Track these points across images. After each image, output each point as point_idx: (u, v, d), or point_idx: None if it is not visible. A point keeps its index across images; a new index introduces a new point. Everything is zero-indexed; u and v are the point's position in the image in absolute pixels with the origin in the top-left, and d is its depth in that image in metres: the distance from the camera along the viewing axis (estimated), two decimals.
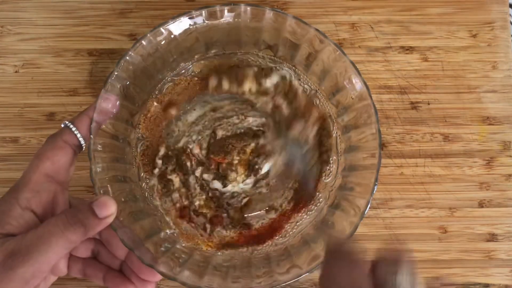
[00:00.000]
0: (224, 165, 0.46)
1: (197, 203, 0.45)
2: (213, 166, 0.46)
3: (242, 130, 0.46)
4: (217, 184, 0.45)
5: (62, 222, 0.34)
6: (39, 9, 0.51)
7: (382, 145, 0.42)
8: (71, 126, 0.39)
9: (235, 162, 0.45)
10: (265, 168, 0.46)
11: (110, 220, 0.36)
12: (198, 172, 0.45)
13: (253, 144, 0.46)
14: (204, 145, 0.46)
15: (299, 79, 0.46)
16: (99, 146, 0.40)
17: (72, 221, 0.34)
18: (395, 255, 0.28)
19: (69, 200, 0.40)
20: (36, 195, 0.37)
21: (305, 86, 0.46)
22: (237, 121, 0.46)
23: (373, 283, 0.28)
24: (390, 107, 0.50)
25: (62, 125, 0.39)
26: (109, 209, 0.35)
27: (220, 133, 0.46)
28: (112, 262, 0.41)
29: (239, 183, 0.46)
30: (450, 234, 0.48)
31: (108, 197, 0.36)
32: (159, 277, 0.40)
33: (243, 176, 0.46)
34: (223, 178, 0.45)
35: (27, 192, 0.36)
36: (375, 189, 0.40)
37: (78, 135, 0.39)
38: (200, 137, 0.46)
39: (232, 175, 0.45)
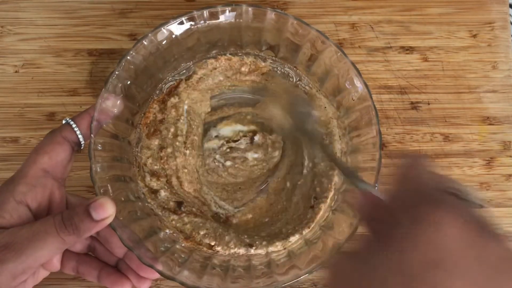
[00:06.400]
0: None
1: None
2: None
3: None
4: None
5: (58, 222, 0.34)
6: (39, 9, 0.51)
7: (382, 145, 0.42)
8: (72, 122, 0.39)
9: None
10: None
11: (108, 221, 0.35)
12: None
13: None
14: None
15: (300, 80, 0.46)
16: (99, 145, 0.40)
17: (67, 223, 0.34)
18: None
19: (66, 198, 0.40)
20: (32, 189, 0.36)
21: (306, 87, 0.46)
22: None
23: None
24: (390, 107, 0.50)
25: (63, 121, 0.39)
26: (106, 211, 0.35)
27: None
28: (108, 259, 0.41)
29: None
30: None
31: (106, 198, 0.35)
32: (157, 274, 0.40)
33: None
34: None
35: (23, 185, 0.36)
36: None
37: (78, 132, 0.38)
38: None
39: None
